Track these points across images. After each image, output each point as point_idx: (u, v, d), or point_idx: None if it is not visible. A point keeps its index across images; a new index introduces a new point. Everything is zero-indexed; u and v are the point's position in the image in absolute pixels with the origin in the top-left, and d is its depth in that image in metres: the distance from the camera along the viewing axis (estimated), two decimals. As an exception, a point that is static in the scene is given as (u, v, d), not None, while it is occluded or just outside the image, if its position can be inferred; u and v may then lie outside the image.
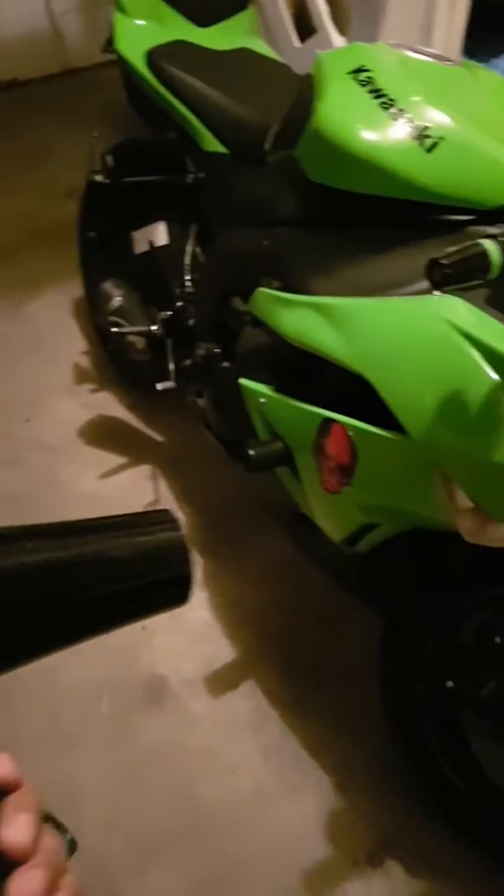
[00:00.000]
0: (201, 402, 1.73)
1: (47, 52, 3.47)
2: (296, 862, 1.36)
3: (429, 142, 1.10)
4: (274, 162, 1.44)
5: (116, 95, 2.12)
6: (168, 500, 1.93)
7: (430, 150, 1.10)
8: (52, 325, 2.40)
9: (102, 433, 2.11)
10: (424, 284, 0.89)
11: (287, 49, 2.67)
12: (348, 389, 1.12)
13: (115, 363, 2.16)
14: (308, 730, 1.52)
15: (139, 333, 1.83)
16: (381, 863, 1.36)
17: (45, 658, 0.42)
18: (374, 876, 1.35)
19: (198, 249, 1.78)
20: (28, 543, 0.41)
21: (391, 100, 1.15)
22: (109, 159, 1.83)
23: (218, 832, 1.39)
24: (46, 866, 0.36)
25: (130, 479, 1.99)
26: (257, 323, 1.41)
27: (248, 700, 1.56)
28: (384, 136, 1.13)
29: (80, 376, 2.25)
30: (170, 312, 1.79)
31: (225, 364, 1.58)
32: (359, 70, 1.21)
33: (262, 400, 1.36)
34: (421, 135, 1.11)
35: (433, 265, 0.77)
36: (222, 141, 1.61)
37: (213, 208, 1.68)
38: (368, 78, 1.19)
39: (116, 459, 2.02)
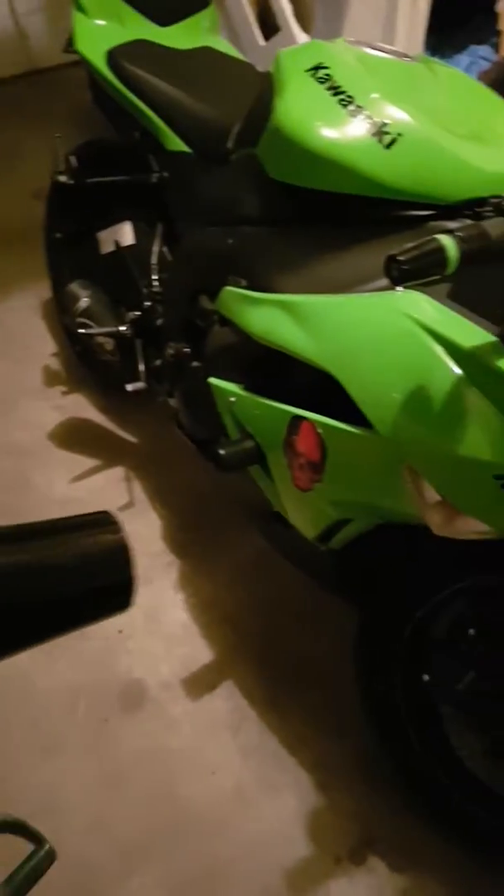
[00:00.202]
0: (172, 402, 1.72)
1: (11, 52, 3.43)
2: (278, 861, 1.35)
3: (387, 138, 1.10)
4: (237, 161, 1.43)
5: (82, 96, 2.10)
6: (142, 502, 1.92)
7: (388, 146, 1.10)
8: (22, 328, 2.37)
9: (74, 436, 2.09)
10: (387, 280, 0.89)
11: (252, 48, 2.67)
12: (317, 386, 1.12)
13: (84, 365, 2.14)
14: (287, 728, 1.52)
15: (107, 334, 1.82)
16: (364, 859, 1.37)
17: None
18: (357, 873, 1.35)
19: (164, 249, 1.77)
20: None
21: (350, 97, 1.15)
22: (73, 160, 1.82)
23: (199, 834, 1.39)
24: None
25: (103, 482, 1.97)
26: (225, 322, 1.41)
27: (226, 700, 1.56)
28: (343, 133, 1.13)
29: (51, 378, 2.23)
30: (138, 313, 1.78)
31: (195, 363, 1.57)
32: (317, 67, 1.21)
33: (232, 399, 1.36)
34: (379, 131, 1.11)
35: (390, 261, 0.77)
36: (185, 140, 1.60)
37: (179, 207, 1.68)
38: (327, 75, 1.19)
39: (89, 462, 2.00)
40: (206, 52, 1.81)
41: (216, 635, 1.67)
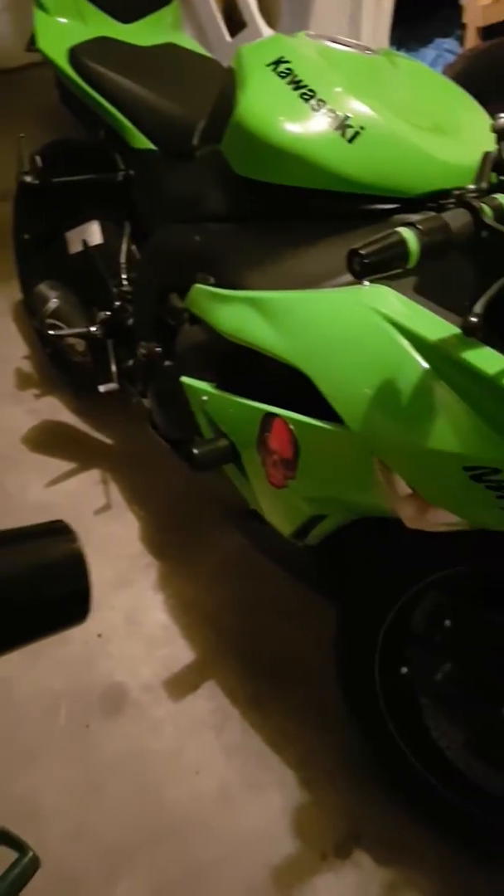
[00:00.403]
0: (146, 402, 1.71)
1: (-24, 53, 3.39)
2: (264, 859, 1.35)
3: (350, 132, 1.10)
4: (202, 157, 1.42)
5: (49, 96, 2.08)
6: (118, 504, 1.91)
7: (351, 140, 1.10)
8: (-7, 331, 2.36)
9: (48, 439, 2.07)
10: (353, 275, 0.88)
11: (218, 44, 2.65)
12: (288, 383, 1.11)
13: (56, 367, 2.13)
14: (271, 726, 1.51)
15: (78, 335, 1.80)
16: (350, 854, 1.36)
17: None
18: (344, 868, 1.35)
19: (133, 247, 1.75)
20: None
21: (311, 91, 1.15)
22: (38, 160, 1.80)
23: (184, 835, 1.38)
24: None
25: (79, 485, 1.96)
26: (195, 320, 1.40)
27: (208, 701, 1.55)
28: (305, 127, 1.12)
29: (24, 382, 2.21)
30: (109, 313, 1.77)
31: (167, 363, 1.56)
32: (278, 62, 1.20)
33: (205, 398, 1.35)
34: (342, 125, 1.11)
35: (352, 256, 0.77)
36: (150, 137, 1.59)
37: (145, 205, 1.67)
38: (288, 69, 1.18)
39: (64, 465, 1.99)
40: (170, 49, 1.80)
41: (197, 635, 1.66)
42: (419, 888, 1.31)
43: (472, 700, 1.18)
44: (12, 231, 2.15)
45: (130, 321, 1.72)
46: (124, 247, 1.75)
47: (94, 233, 1.83)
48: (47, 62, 1.87)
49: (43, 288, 1.90)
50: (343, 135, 1.10)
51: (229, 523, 1.70)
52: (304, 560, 1.36)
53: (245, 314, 1.19)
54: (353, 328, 0.99)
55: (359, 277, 0.78)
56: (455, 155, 1.09)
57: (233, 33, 2.64)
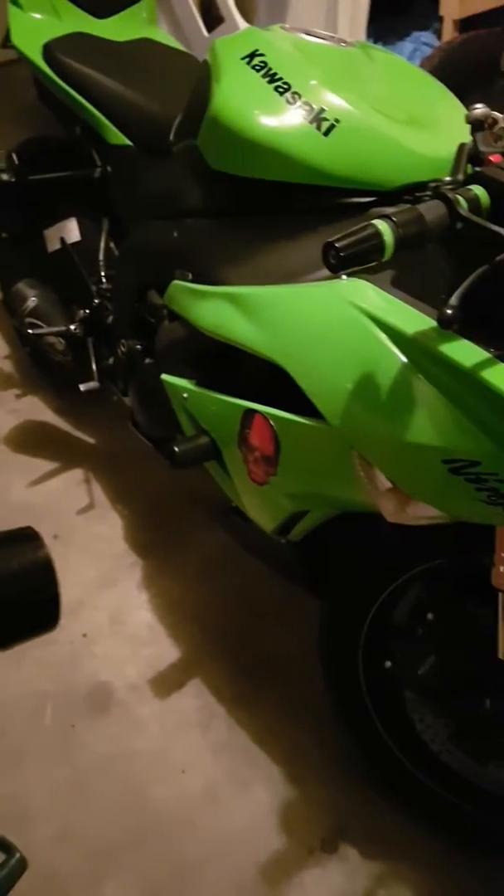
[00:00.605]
0: (127, 400, 1.70)
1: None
2: (251, 856, 1.35)
3: (325, 125, 1.09)
4: (178, 152, 1.42)
5: (26, 93, 2.07)
6: (102, 504, 1.90)
7: (326, 133, 1.09)
8: (-28, 332, 2.33)
9: (31, 439, 2.06)
10: (331, 269, 0.88)
11: (195, 39, 2.64)
12: (269, 379, 1.11)
13: (37, 366, 2.11)
14: (257, 723, 1.51)
15: (57, 334, 1.79)
16: (337, 849, 1.37)
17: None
18: (331, 862, 1.35)
19: (111, 244, 1.74)
20: None
21: (286, 84, 1.14)
22: (14, 157, 1.78)
23: (171, 835, 1.37)
24: None
25: (62, 485, 1.95)
26: (174, 317, 1.39)
27: (194, 699, 1.55)
28: (280, 120, 1.12)
29: (4, 381, 2.19)
30: (88, 311, 1.76)
31: (147, 360, 1.56)
32: (253, 55, 1.19)
33: (185, 395, 1.35)
34: (317, 118, 1.10)
35: (327, 249, 0.76)
36: (126, 133, 1.58)
37: (123, 202, 1.66)
38: (263, 62, 1.18)
39: (46, 465, 1.98)
40: (145, 44, 1.79)
41: (182, 634, 1.65)
42: (406, 881, 1.32)
43: (455, 693, 1.18)
44: (-10, 230, 2.13)
45: (110, 319, 1.71)
46: (102, 244, 1.74)
47: (71, 230, 1.82)
48: (22, 58, 1.86)
49: (21, 286, 1.89)
50: (318, 128, 1.10)
51: (213, 521, 1.69)
52: (288, 556, 1.36)
53: (223, 310, 1.18)
54: (331, 323, 0.99)
55: (334, 271, 0.77)
56: (431, 147, 1.09)
57: (210, 28, 2.62)
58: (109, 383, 1.76)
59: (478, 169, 0.85)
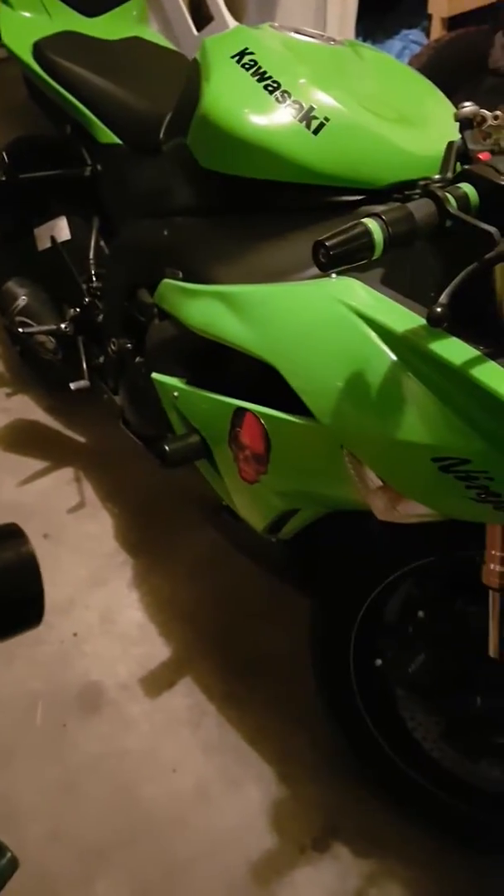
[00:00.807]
0: (117, 399, 1.70)
1: None
2: (243, 855, 1.35)
3: (315, 123, 1.09)
4: (168, 151, 1.41)
5: (17, 92, 2.06)
6: (92, 503, 1.90)
7: (316, 131, 1.09)
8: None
9: (21, 438, 2.05)
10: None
11: (185, 38, 2.63)
12: (259, 377, 1.11)
13: (28, 364, 2.11)
14: (248, 722, 1.51)
15: (48, 333, 1.79)
16: (328, 847, 1.37)
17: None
18: (322, 861, 1.35)
19: (102, 243, 1.74)
20: None
21: (276, 82, 1.14)
22: (4, 156, 1.78)
23: (162, 834, 1.37)
24: None
25: (53, 484, 1.94)
26: (165, 315, 1.39)
27: (185, 698, 1.55)
28: (269, 119, 1.12)
29: (-6, 381, 2.19)
30: (78, 309, 1.75)
31: (138, 359, 1.55)
32: (242, 53, 1.19)
33: (176, 394, 1.35)
34: (306, 116, 1.10)
35: (317, 247, 0.76)
36: (117, 132, 1.58)
37: (113, 200, 1.65)
38: (252, 61, 1.18)
39: (37, 464, 1.97)
40: (135, 42, 1.79)
41: (173, 633, 1.65)
42: (398, 879, 1.32)
43: (446, 690, 1.18)
44: (-21, 229, 2.12)
45: (100, 318, 1.70)
46: (93, 242, 1.73)
47: (62, 229, 1.81)
48: (12, 57, 1.85)
49: (12, 285, 1.88)
50: (308, 126, 1.10)
51: (204, 520, 1.69)
52: (278, 555, 1.36)
53: (213, 308, 1.18)
54: (321, 321, 0.99)
55: (324, 269, 0.77)
56: (421, 145, 1.09)
57: (199, 27, 2.62)
58: (100, 382, 1.76)
59: (467, 167, 0.85)
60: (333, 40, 1.29)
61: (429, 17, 2.76)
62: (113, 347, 1.60)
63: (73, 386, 1.75)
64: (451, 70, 2.36)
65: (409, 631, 1.19)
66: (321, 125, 1.09)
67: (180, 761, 1.46)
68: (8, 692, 1.54)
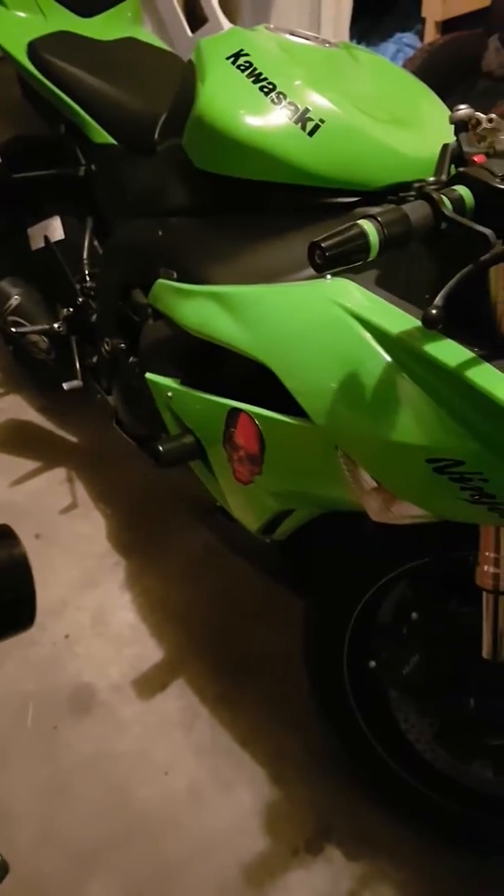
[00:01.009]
0: (111, 399, 1.69)
1: None
2: (235, 857, 1.34)
3: (310, 125, 1.09)
4: (163, 151, 1.41)
5: (10, 91, 2.05)
6: (85, 503, 1.89)
7: (311, 133, 1.09)
8: (-46, 331, 2.31)
9: (13, 438, 2.04)
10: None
11: (179, 39, 2.64)
12: (254, 378, 1.11)
13: (20, 364, 2.10)
14: (241, 724, 1.51)
15: (41, 332, 1.78)
16: (321, 849, 1.36)
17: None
18: (315, 863, 1.35)
19: (95, 243, 1.74)
20: None
21: (271, 84, 1.14)
22: (-3, 156, 1.78)
23: (154, 836, 1.37)
24: None
25: (45, 484, 1.94)
26: (159, 315, 1.38)
27: (177, 699, 1.54)
28: (265, 120, 1.12)
29: (-13, 381, 2.18)
30: (72, 309, 1.75)
31: (131, 359, 1.55)
32: (237, 55, 1.19)
33: (170, 394, 1.34)
34: (302, 118, 1.10)
35: (313, 248, 0.76)
36: (111, 132, 1.58)
37: (107, 200, 1.65)
38: (248, 62, 1.18)
39: (29, 464, 1.97)
40: (130, 43, 1.79)
41: (166, 634, 1.65)
42: (391, 881, 1.32)
43: (440, 692, 1.18)
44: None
45: (94, 318, 1.70)
46: (87, 242, 1.73)
47: (55, 228, 1.81)
48: (6, 57, 1.85)
49: (5, 285, 1.87)
50: (303, 128, 1.10)
51: (198, 520, 1.69)
52: (272, 556, 1.36)
53: (208, 309, 1.18)
54: (316, 322, 0.99)
55: (320, 271, 0.77)
56: (415, 147, 1.09)
57: (194, 28, 2.62)
58: (93, 382, 1.76)
59: (462, 169, 0.85)
60: (328, 42, 1.29)
61: (423, 21, 2.77)
62: (106, 347, 1.60)
63: (66, 386, 1.74)
64: (444, 73, 2.37)
65: (402, 632, 1.19)
66: (316, 127, 1.09)
67: (172, 763, 1.45)
68: (-1, 693, 1.53)
